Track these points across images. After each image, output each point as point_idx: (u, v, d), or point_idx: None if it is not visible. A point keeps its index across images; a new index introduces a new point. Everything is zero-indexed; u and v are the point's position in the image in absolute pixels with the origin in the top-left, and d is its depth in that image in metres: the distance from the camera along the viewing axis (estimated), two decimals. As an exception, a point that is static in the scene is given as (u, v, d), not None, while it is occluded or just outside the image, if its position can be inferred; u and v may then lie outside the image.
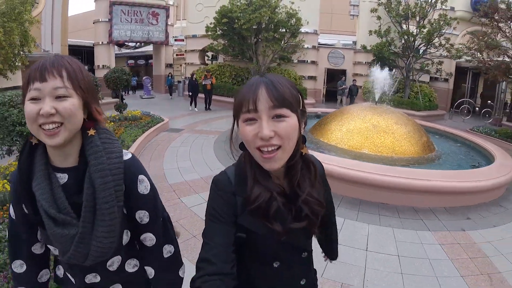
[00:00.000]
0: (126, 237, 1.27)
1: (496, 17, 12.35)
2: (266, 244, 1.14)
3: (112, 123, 8.75)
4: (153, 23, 19.90)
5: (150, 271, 1.38)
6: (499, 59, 12.64)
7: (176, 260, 1.41)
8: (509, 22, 11.90)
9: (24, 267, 1.30)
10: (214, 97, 15.21)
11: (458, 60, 16.08)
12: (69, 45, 19.34)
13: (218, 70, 17.29)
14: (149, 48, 23.71)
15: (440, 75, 17.96)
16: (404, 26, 16.35)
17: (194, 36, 19.30)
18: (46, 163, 1.16)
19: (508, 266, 3.70)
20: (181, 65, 22.82)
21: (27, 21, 11.21)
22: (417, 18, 15.86)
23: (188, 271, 1.38)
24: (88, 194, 1.12)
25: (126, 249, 1.29)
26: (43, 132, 1.06)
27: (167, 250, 1.38)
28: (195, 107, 14.70)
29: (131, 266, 1.34)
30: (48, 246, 1.26)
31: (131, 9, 19.22)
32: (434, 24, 15.23)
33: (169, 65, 22.17)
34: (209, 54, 20.57)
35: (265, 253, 1.17)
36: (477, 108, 17.77)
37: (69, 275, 1.31)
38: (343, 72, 18.93)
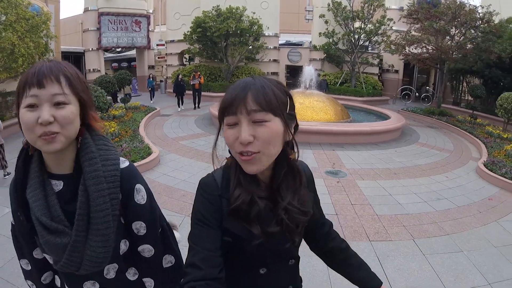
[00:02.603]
0: (124, 247, 1.32)
1: (418, 16, 16.89)
2: (251, 249, 1.17)
3: (125, 109, 13.45)
4: (136, 30, 24.58)
5: (150, 283, 1.43)
6: (416, 51, 17.41)
7: (177, 271, 1.43)
8: (429, 20, 16.16)
9: (29, 267, 1.39)
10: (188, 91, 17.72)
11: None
12: (59, 51, 23.54)
13: (195, 69, 22.13)
14: (131, 52, 28.64)
15: (389, 67, 23.46)
16: (351, 27, 21.58)
17: (173, 41, 24.37)
18: (42, 169, 1.21)
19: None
20: (162, 67, 27.57)
21: (47, 35, 14.50)
22: (362, 20, 21.14)
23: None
24: (81, 202, 1.17)
25: (124, 258, 1.33)
26: (42, 139, 1.10)
27: (168, 260, 1.43)
28: (182, 106, 16.80)
29: (131, 274, 1.40)
30: (45, 255, 1.30)
31: (117, 19, 23.76)
32: (377, 24, 20.73)
33: (151, 67, 27.09)
34: (187, 56, 25.72)
35: (251, 259, 1.22)
36: (417, 94, 23.02)
37: (66, 286, 1.36)
38: (300, 68, 23.80)
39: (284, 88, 1.14)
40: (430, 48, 16.77)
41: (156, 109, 15.13)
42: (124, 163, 1.28)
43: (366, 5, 20.96)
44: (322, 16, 21.96)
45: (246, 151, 1.05)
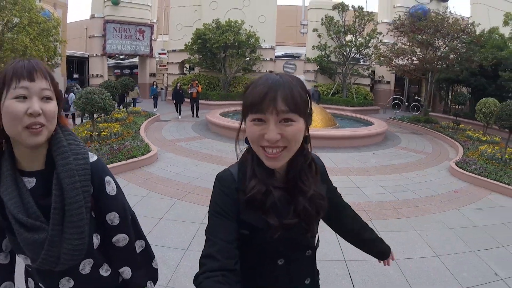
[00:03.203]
0: (96, 241, 1.37)
1: (404, 30, 17.87)
2: (269, 240, 1.20)
3: (127, 113, 14.43)
4: (139, 39, 25.58)
5: (127, 272, 1.49)
6: (403, 63, 18.28)
7: (148, 253, 1.59)
8: (413, 33, 17.17)
9: None
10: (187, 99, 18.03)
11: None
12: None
13: (195, 78, 23.07)
14: (134, 59, 29.61)
15: (380, 78, 24.56)
16: (343, 40, 22.60)
17: (174, 51, 25.39)
18: (13, 167, 1.24)
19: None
20: (163, 75, 28.66)
21: (56, 40, 15.21)
22: (353, 34, 22.17)
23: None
24: (56, 195, 1.22)
25: (97, 253, 1.39)
26: (29, 131, 1.15)
27: (139, 245, 1.55)
28: (180, 114, 17.15)
29: (104, 270, 1.44)
30: (18, 255, 1.32)
31: (121, 27, 24.76)
32: (367, 38, 21.74)
33: (152, 75, 28.05)
34: (187, 65, 26.71)
35: (269, 250, 1.26)
36: (406, 103, 24.00)
37: (41, 286, 1.37)
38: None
39: (305, 87, 1.18)
40: (415, 59, 17.65)
41: (156, 114, 15.96)
42: (92, 157, 1.35)
43: (357, 19, 21.95)
44: (315, 30, 23.07)
45: (274, 147, 1.10)
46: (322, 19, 22.83)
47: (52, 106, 1.21)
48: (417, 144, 12.77)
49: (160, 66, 28.24)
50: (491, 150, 9.98)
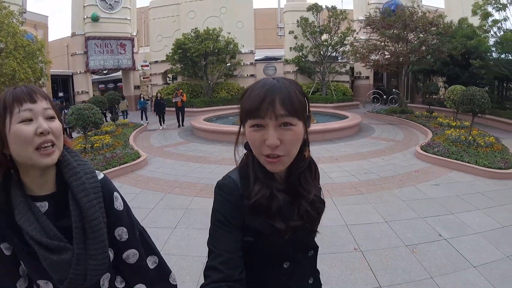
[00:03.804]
0: (111, 255, 1.40)
1: (374, 26, 18.92)
2: (274, 244, 1.22)
3: (115, 126, 15.28)
4: (121, 53, 26.11)
5: None
6: (376, 58, 19.40)
7: (163, 269, 1.58)
8: (383, 29, 18.25)
9: None
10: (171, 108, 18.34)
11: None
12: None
13: (178, 87, 23.92)
14: (117, 73, 30.30)
15: (357, 74, 25.77)
16: (320, 40, 23.70)
17: (156, 62, 26.29)
18: (24, 194, 1.26)
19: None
20: (147, 86, 29.46)
21: (42, 61, 15.77)
22: (328, 33, 23.25)
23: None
24: (75, 215, 1.25)
25: (111, 266, 1.41)
26: (40, 153, 1.19)
27: (152, 261, 1.54)
28: (163, 124, 17.15)
29: (119, 282, 1.48)
30: (38, 281, 1.33)
31: (102, 42, 25.24)
32: (341, 36, 22.84)
33: (137, 87, 28.75)
34: (170, 75, 27.68)
35: (275, 254, 1.26)
36: (384, 97, 25.17)
37: None
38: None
39: (302, 90, 1.18)
40: (387, 54, 18.73)
41: (143, 125, 16.85)
42: (99, 175, 1.38)
43: (332, 19, 23.04)
44: (291, 32, 24.15)
45: (273, 154, 1.11)
46: (297, 21, 23.92)
47: (57, 124, 1.25)
48: (390, 133, 13.71)
49: (143, 78, 28.97)
50: (456, 133, 10.89)
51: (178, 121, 17.30)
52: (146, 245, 1.53)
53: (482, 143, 9.73)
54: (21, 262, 1.33)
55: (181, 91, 17.89)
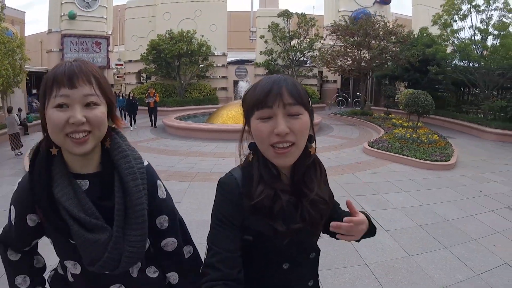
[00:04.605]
0: (147, 244, 1.37)
1: (339, 34, 20.17)
2: (274, 245, 1.22)
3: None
4: (96, 51, 26.48)
5: (174, 277, 1.50)
6: (340, 63, 20.63)
7: (196, 260, 1.57)
8: (347, 37, 19.62)
9: (27, 283, 1.42)
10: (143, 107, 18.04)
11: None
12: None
13: (151, 87, 24.53)
14: (91, 72, 30.45)
15: (324, 78, 27.15)
16: (289, 45, 24.93)
17: (130, 61, 26.95)
18: (66, 170, 1.24)
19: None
20: (121, 85, 29.89)
21: (21, 58, 15.74)
22: (298, 38, 24.59)
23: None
24: (119, 197, 1.23)
25: (145, 256, 1.39)
26: (71, 140, 1.14)
27: (187, 251, 1.55)
28: (134, 124, 16.84)
29: (152, 272, 1.46)
30: (65, 262, 1.33)
31: (78, 40, 25.63)
32: (308, 42, 24.19)
33: (111, 85, 29.05)
34: (144, 75, 28.31)
35: (274, 255, 1.26)
36: (349, 100, 26.67)
37: None
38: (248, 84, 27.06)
39: (304, 88, 1.21)
40: (348, 60, 20.03)
41: (129, 129, 16.90)
42: (145, 161, 1.38)
43: (301, 25, 24.37)
44: (262, 36, 25.44)
45: (284, 141, 1.11)
46: (269, 26, 25.09)
47: (98, 112, 1.17)
48: (346, 132, 14.87)
49: (117, 76, 29.24)
50: (403, 132, 12.18)
51: (151, 122, 17.08)
52: (184, 235, 1.55)
53: (425, 140, 11.03)
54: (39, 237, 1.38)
55: (153, 91, 17.64)
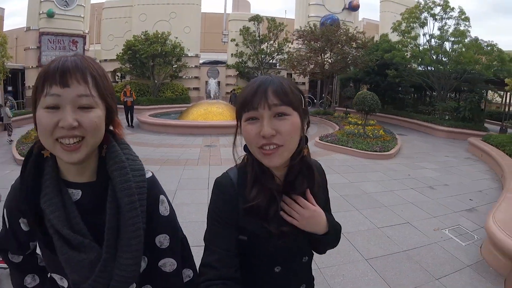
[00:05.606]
0: (144, 264, 1.24)
1: (304, 39, 21.53)
2: (266, 247, 1.22)
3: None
4: (73, 50, 26.41)
5: None
6: (303, 67, 21.93)
7: (194, 286, 1.37)
8: (312, 42, 20.90)
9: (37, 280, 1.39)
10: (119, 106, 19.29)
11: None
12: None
13: (127, 84, 25.26)
14: (67, 70, 30.95)
15: (295, 81, 28.62)
16: (259, 48, 26.38)
17: (106, 60, 27.53)
18: (57, 177, 1.12)
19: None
20: (96, 83, 30.63)
21: (3, 56, 16.68)
22: (267, 42, 26.09)
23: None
24: (111, 214, 1.10)
25: (141, 276, 1.24)
26: (61, 146, 1.01)
27: (186, 274, 1.41)
28: None
29: None
30: (53, 275, 1.21)
31: (55, 38, 25.75)
32: (276, 46, 25.75)
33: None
34: (119, 74, 29.03)
35: (266, 257, 1.26)
36: (315, 101, 28.45)
37: None
38: (218, 83, 28.02)
39: (297, 86, 1.19)
40: (311, 64, 21.54)
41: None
42: (147, 173, 1.25)
43: (271, 29, 25.89)
44: (233, 40, 26.86)
45: (269, 144, 1.09)
46: (240, 30, 26.50)
47: (94, 116, 1.04)
48: (306, 130, 16.18)
49: (93, 75, 30.02)
50: (352, 128, 13.76)
51: (127, 121, 16.93)
52: (185, 256, 1.41)
53: (371, 135, 12.55)
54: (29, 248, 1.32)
55: (130, 89, 17.48)
